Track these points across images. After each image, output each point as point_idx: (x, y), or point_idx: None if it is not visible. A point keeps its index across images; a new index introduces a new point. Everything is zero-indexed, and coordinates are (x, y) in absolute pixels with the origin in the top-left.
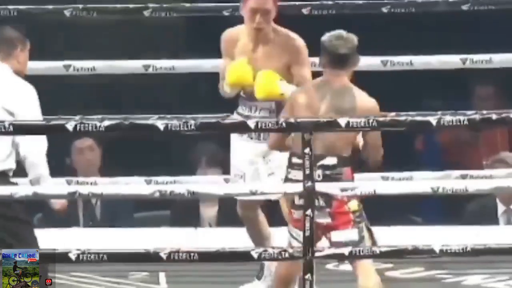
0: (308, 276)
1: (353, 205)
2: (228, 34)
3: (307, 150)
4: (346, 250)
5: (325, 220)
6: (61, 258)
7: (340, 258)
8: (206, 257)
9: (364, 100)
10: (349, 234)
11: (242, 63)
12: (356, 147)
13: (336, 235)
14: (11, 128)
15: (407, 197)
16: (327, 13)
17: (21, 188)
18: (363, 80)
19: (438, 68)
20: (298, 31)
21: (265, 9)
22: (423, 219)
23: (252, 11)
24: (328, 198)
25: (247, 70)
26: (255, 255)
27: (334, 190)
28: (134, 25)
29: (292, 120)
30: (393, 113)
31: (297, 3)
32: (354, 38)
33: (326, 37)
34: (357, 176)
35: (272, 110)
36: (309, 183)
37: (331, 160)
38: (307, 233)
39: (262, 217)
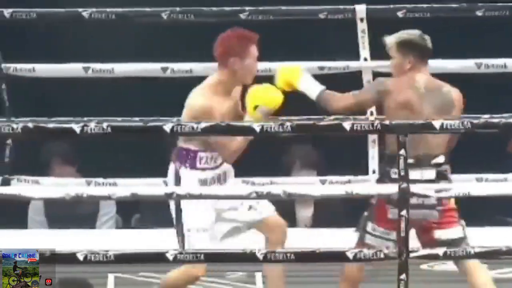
0: (403, 276)
1: (453, 202)
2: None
3: (402, 152)
4: (440, 251)
5: (433, 218)
6: (159, 258)
7: (435, 258)
8: (302, 257)
9: (454, 90)
10: (455, 231)
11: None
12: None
13: (442, 234)
14: (109, 130)
15: (501, 198)
16: (421, 16)
17: (120, 190)
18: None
19: None
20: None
21: None
22: None
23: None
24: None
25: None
26: (351, 256)
27: (429, 192)
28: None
29: (387, 122)
30: (487, 115)
31: (391, 6)
32: None
33: (411, 35)
34: (451, 177)
35: None
36: (404, 185)
37: (441, 158)
38: (402, 234)
39: None
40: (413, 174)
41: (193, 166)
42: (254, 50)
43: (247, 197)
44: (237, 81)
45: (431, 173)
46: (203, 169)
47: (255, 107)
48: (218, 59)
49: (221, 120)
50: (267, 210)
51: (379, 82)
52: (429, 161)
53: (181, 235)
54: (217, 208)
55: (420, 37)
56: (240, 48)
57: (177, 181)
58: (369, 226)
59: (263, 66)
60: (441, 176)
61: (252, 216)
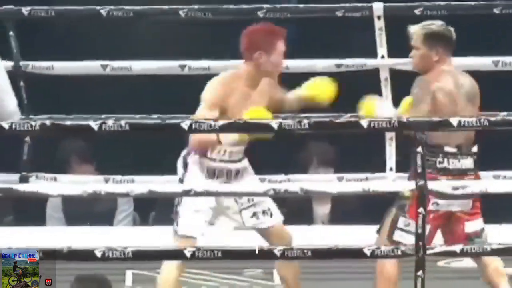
0: (420, 273)
1: None
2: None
3: (419, 149)
4: (457, 248)
5: (467, 209)
6: (177, 255)
7: (452, 255)
8: (320, 254)
9: (475, 82)
10: (480, 223)
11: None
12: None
13: (471, 226)
14: (127, 127)
15: None
16: (438, 14)
17: (137, 187)
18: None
19: None
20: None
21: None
22: None
23: (282, 54)
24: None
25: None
26: (368, 253)
27: (446, 189)
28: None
29: (404, 119)
30: (504, 113)
31: (409, 4)
32: None
33: (438, 26)
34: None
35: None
36: (422, 182)
37: (475, 147)
38: (419, 230)
39: None
40: (454, 163)
41: (203, 154)
42: (280, 46)
43: (264, 194)
44: (261, 75)
45: (470, 162)
46: (213, 159)
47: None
48: (243, 52)
49: (233, 109)
50: (271, 220)
51: (426, 86)
52: (468, 149)
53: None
54: (224, 206)
55: (446, 28)
56: (267, 43)
57: (184, 166)
58: (402, 221)
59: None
60: (476, 165)
61: (253, 223)
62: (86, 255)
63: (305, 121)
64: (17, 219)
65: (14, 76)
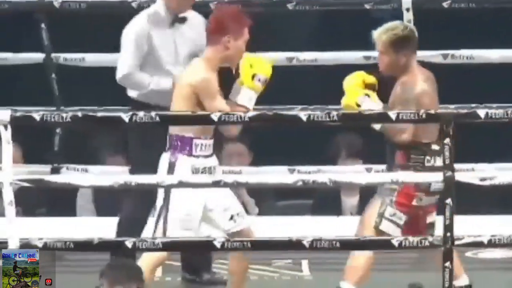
0: (447, 264)
1: None
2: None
3: (447, 141)
4: (485, 238)
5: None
6: (206, 245)
7: (479, 246)
8: (348, 245)
9: None
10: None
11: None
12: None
13: (431, 216)
14: (157, 119)
15: None
16: (466, 7)
17: (168, 177)
18: None
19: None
20: None
21: None
22: None
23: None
24: None
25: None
26: (396, 244)
27: (473, 180)
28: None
29: (432, 111)
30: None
31: None
32: None
33: (401, 30)
34: (495, 165)
35: None
36: (449, 173)
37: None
38: (447, 222)
39: None
40: (438, 160)
41: (189, 153)
42: (247, 33)
43: (293, 185)
44: (225, 60)
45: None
46: (198, 157)
47: (253, 76)
48: (211, 34)
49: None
50: (244, 222)
51: (409, 90)
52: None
53: (160, 220)
54: (205, 207)
55: (410, 30)
56: (236, 28)
57: (171, 169)
58: (389, 211)
59: (311, 56)
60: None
61: (231, 226)
62: (116, 246)
63: (334, 113)
64: (48, 210)
65: (45, 68)
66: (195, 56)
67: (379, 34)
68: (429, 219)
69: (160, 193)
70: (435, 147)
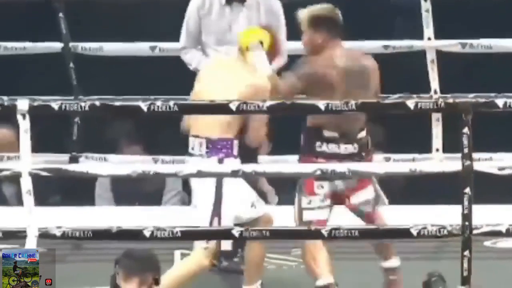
0: (466, 253)
1: None
2: None
3: (465, 130)
4: (503, 227)
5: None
6: (225, 234)
7: (498, 235)
8: (366, 234)
9: (371, 62)
10: (368, 193)
11: None
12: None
13: (357, 197)
14: (176, 108)
15: None
16: None
17: (186, 167)
18: None
19: None
20: None
21: None
22: None
23: None
24: None
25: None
26: (415, 233)
27: (492, 169)
28: None
29: (451, 100)
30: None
31: None
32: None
33: (321, 9)
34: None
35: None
36: (468, 162)
37: (363, 133)
38: (466, 211)
39: None
40: (333, 148)
41: (232, 155)
42: None
43: (312, 174)
44: None
45: (353, 147)
46: (236, 157)
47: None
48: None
49: None
50: (264, 208)
51: (300, 67)
52: (353, 135)
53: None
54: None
55: (332, 11)
56: None
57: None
58: (304, 201)
59: None
60: (364, 150)
61: (252, 214)
62: (134, 235)
63: (352, 102)
64: (66, 199)
65: (63, 57)
66: None
67: (302, 12)
68: (355, 199)
69: (204, 188)
70: (327, 133)
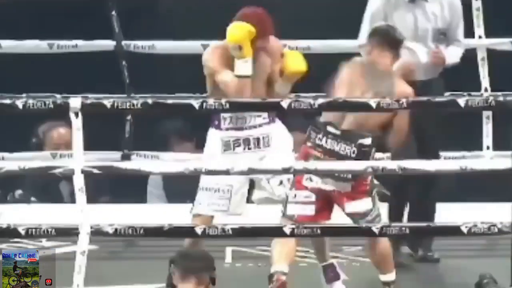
0: None
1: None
2: None
3: None
4: None
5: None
6: (277, 232)
7: None
8: (417, 231)
9: (403, 86)
10: (364, 205)
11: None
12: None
13: (350, 207)
14: (227, 106)
15: None
16: None
17: (238, 164)
18: None
19: None
20: None
21: None
22: None
23: None
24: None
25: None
26: (465, 230)
27: None
28: None
29: (501, 98)
30: None
31: None
32: None
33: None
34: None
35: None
36: None
37: (367, 140)
38: None
39: None
40: (332, 144)
41: (218, 127)
42: None
43: (363, 171)
44: None
45: (351, 149)
46: (227, 129)
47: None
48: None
49: None
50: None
51: None
52: (355, 137)
53: None
54: (255, 176)
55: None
56: None
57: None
58: (290, 195)
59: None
60: (362, 155)
61: (282, 191)
62: (186, 232)
63: (403, 100)
64: (118, 197)
65: (116, 55)
66: (440, 32)
67: None
68: (349, 209)
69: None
70: (331, 129)
